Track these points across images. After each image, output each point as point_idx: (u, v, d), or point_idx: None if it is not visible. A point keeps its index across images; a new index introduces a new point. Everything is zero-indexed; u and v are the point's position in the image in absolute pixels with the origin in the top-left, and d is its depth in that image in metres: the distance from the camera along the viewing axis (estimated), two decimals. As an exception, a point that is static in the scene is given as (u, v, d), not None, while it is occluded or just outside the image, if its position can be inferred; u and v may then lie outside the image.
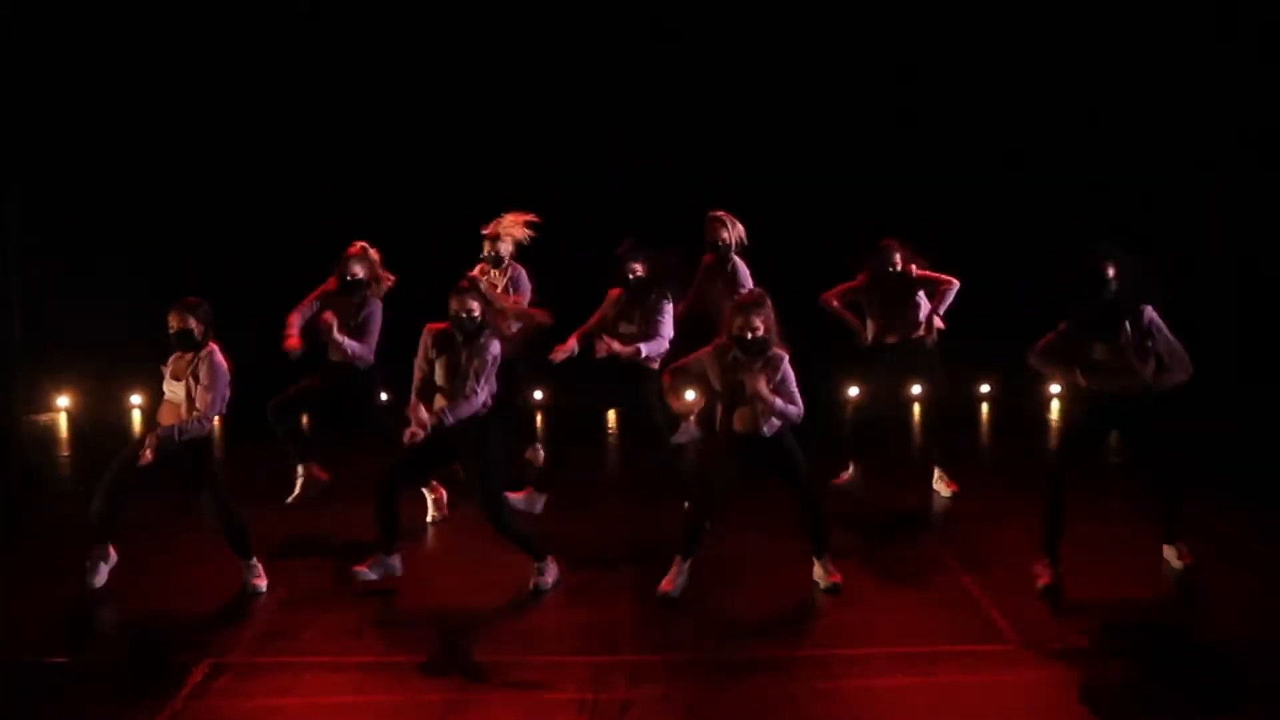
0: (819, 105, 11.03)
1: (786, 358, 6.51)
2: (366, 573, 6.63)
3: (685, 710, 5.32)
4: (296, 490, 8.01)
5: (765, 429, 6.51)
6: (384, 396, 8.13)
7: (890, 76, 11.04)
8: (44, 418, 11.20)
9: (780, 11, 11.01)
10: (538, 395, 10.91)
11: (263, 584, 6.71)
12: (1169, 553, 6.92)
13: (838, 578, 6.69)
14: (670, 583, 6.60)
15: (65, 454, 10.18)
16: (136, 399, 11.36)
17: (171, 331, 6.52)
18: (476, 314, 6.54)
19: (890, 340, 8.24)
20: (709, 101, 11.00)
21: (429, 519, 7.94)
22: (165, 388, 6.62)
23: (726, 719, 5.28)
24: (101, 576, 6.64)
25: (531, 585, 6.72)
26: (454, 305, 6.56)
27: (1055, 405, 11.16)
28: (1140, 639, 6.04)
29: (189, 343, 6.50)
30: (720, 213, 8.30)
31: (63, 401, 11.31)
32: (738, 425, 6.58)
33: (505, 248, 8.29)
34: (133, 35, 10.72)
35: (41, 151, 10.82)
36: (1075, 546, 6.80)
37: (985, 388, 11.52)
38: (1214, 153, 10.86)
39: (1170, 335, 6.51)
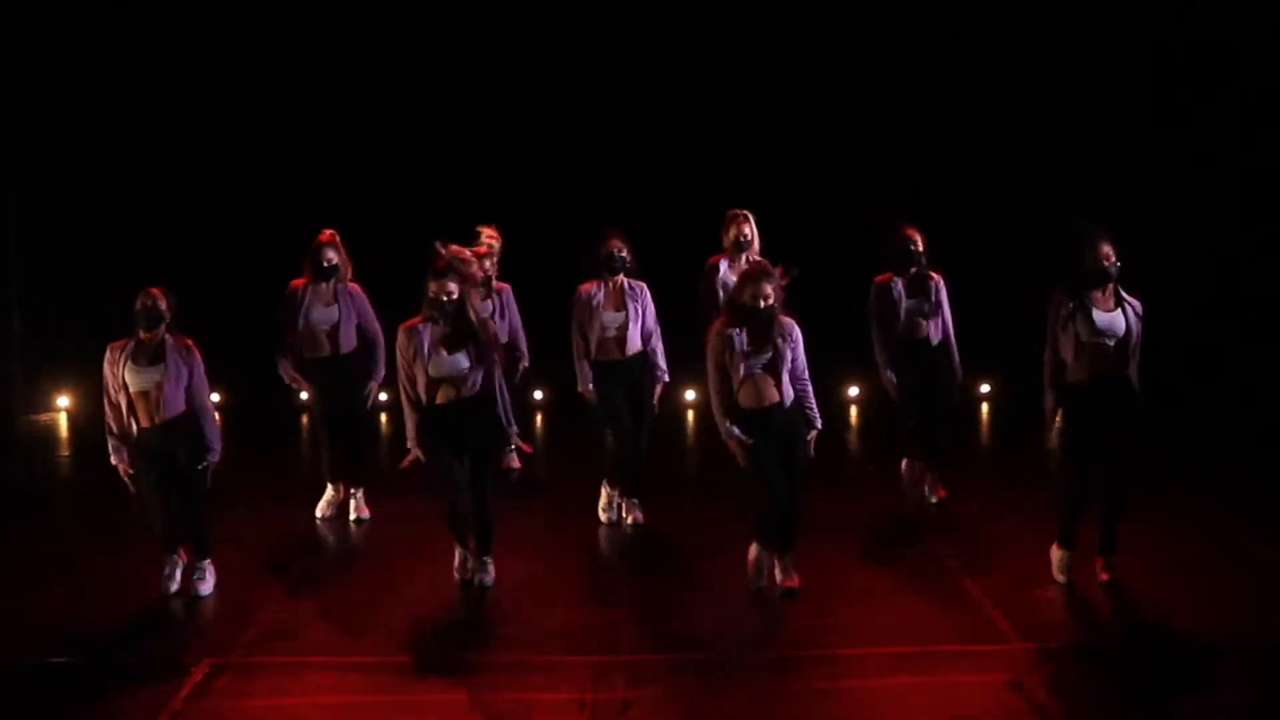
0: (817, 105, 11.06)
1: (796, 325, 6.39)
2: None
3: (685, 710, 5.31)
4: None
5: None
6: None
7: (889, 76, 11.05)
8: (44, 418, 11.21)
9: (780, 11, 11.04)
10: (537, 395, 10.89)
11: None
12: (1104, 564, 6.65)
13: (795, 582, 6.53)
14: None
15: (65, 454, 10.17)
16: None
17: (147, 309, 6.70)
18: (456, 295, 6.48)
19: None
20: (708, 102, 11.02)
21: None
22: (135, 378, 6.70)
23: (726, 719, 5.28)
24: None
25: (476, 580, 6.68)
26: (434, 288, 6.46)
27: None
28: (1140, 639, 6.04)
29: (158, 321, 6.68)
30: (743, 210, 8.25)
31: (63, 401, 11.31)
32: (748, 401, 6.36)
33: (490, 264, 8.12)
34: (131, 34, 10.72)
35: (41, 152, 10.82)
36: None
37: (986, 388, 11.51)
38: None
39: None
